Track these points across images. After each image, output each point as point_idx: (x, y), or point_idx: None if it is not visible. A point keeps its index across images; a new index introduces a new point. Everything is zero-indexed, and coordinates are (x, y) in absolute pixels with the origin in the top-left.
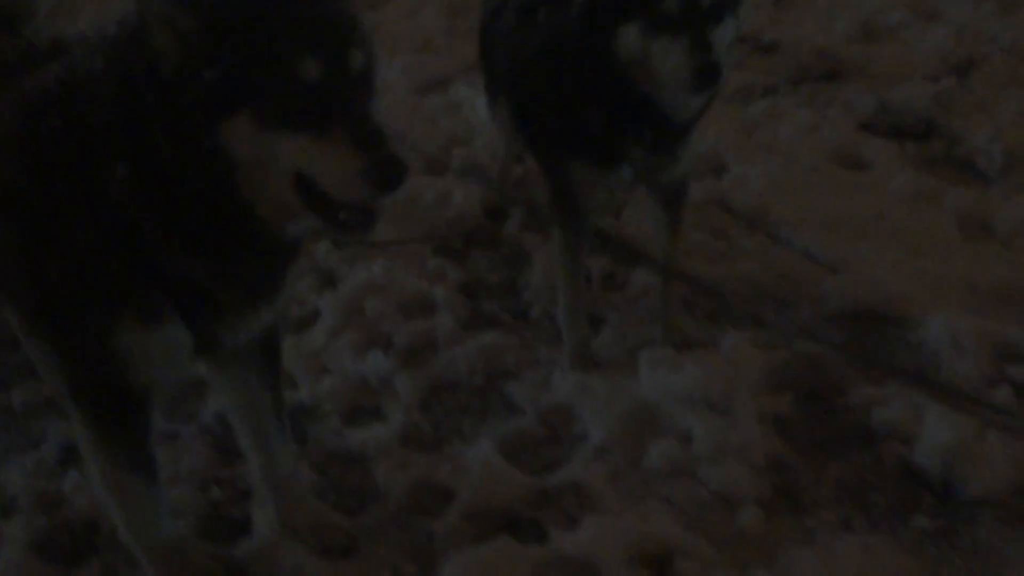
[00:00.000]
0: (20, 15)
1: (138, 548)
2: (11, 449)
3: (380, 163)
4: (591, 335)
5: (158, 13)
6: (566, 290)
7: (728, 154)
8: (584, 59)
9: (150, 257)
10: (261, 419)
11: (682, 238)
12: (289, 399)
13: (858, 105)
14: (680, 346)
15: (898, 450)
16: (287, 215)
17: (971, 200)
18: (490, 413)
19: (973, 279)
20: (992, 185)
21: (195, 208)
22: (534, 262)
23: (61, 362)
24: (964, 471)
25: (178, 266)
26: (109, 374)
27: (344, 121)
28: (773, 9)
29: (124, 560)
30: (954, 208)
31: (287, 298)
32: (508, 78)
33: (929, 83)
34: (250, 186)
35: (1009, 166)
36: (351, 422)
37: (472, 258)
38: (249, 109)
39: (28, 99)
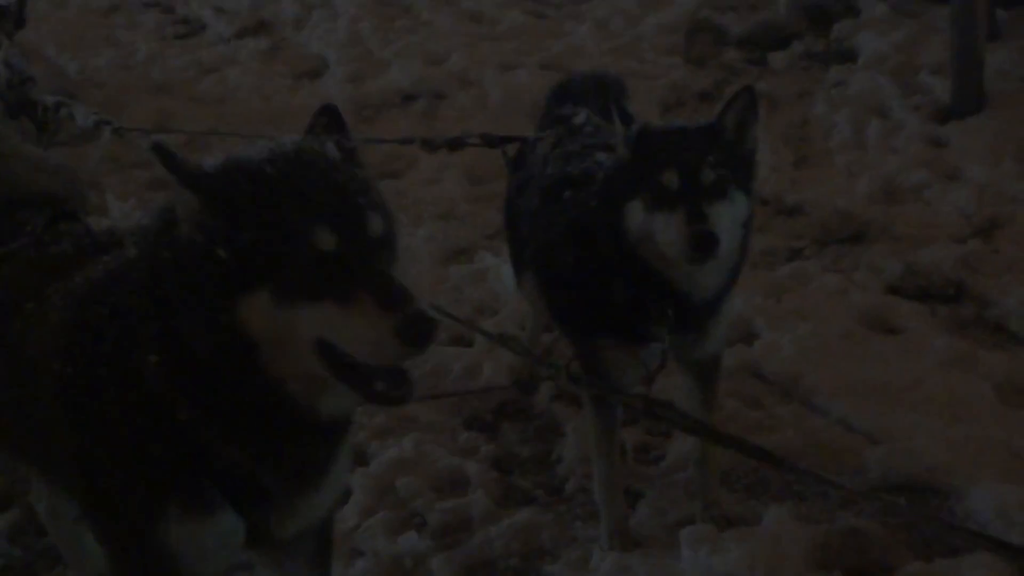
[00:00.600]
0: (77, 203)
1: None
2: None
3: (408, 320)
4: (629, 511)
5: (176, 199)
6: (601, 465)
7: (757, 320)
8: (603, 237)
9: (192, 445)
10: None
11: (716, 411)
12: None
13: (885, 268)
14: (720, 522)
15: None
16: (318, 389)
17: (1007, 364)
18: None
19: (1014, 446)
20: None
21: (225, 391)
22: (567, 434)
23: (110, 551)
24: None
25: (221, 453)
26: (156, 567)
27: (367, 285)
28: (793, 170)
29: None
30: (990, 373)
31: (341, 485)
32: (535, 255)
33: (955, 244)
34: (275, 362)
35: None
36: None
37: (503, 431)
38: (267, 285)
39: (79, 290)
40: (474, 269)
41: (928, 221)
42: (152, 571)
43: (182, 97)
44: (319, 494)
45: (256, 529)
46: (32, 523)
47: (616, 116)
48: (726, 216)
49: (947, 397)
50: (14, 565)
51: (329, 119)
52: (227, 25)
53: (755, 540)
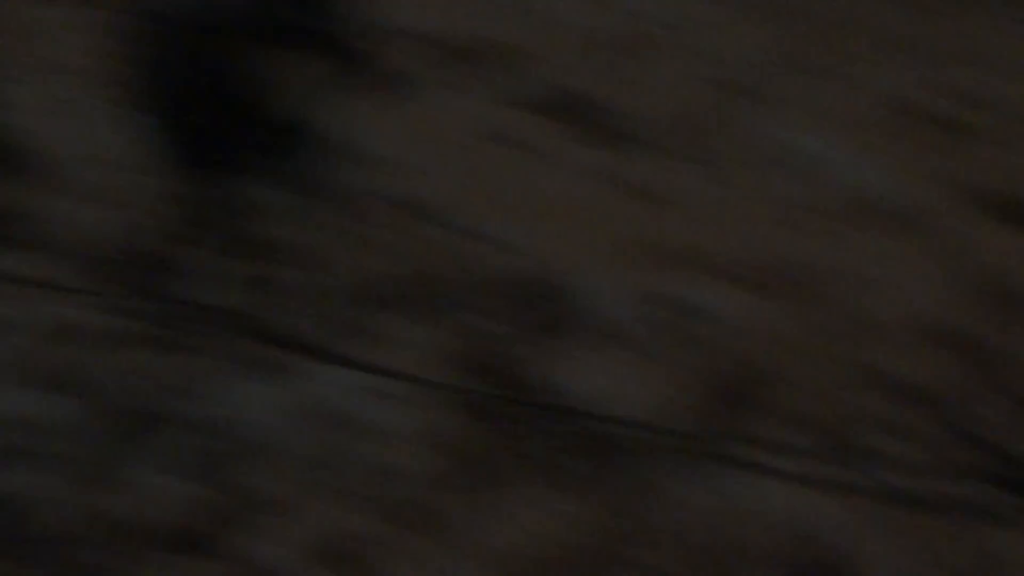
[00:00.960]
0: None
1: None
2: None
3: None
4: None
5: None
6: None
7: (384, 145)
8: (205, 71)
9: None
10: None
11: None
12: None
13: (508, 83)
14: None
15: (570, 402)
16: None
17: (627, 168)
18: None
19: (631, 238)
20: (645, 152)
21: None
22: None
23: None
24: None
25: None
26: None
27: None
28: None
29: None
30: (608, 173)
31: None
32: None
33: (577, 57)
34: None
35: (660, 133)
36: None
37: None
38: None
39: None
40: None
41: (553, 36)
42: None
43: None
44: None
45: None
46: None
47: None
48: None
49: (567, 199)
50: None
51: None
52: None
53: (393, 341)
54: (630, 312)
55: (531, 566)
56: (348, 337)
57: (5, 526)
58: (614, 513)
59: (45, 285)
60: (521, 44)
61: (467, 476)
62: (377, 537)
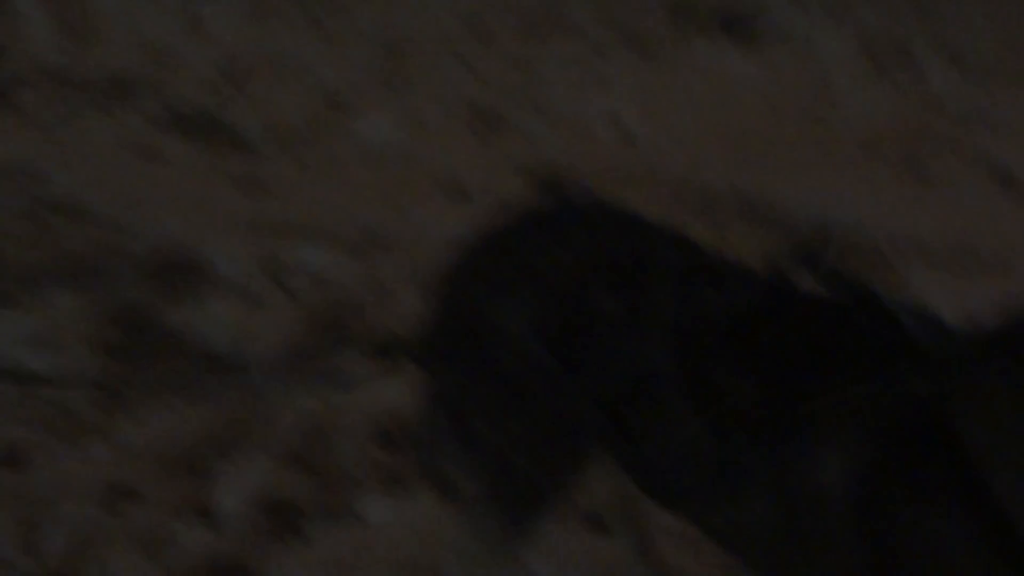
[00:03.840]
0: None
1: None
2: None
3: None
4: None
5: None
6: None
7: (45, 165)
8: None
9: None
10: None
11: None
12: None
13: (150, 111)
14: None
15: (204, 347)
16: None
17: (247, 169)
18: None
19: (250, 221)
20: (264, 158)
21: None
22: None
23: None
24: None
25: None
26: None
27: None
28: (68, 44)
29: None
30: (232, 176)
31: None
32: None
33: (208, 88)
34: None
35: (275, 141)
36: None
37: None
38: None
39: None
40: None
41: (187, 74)
42: None
43: None
44: None
45: None
46: None
47: None
48: None
49: (197, 197)
50: None
51: None
52: None
53: (43, 314)
54: (244, 272)
55: (169, 456)
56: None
57: None
58: (231, 416)
59: None
60: (154, 76)
61: (108, 395)
62: (38, 444)
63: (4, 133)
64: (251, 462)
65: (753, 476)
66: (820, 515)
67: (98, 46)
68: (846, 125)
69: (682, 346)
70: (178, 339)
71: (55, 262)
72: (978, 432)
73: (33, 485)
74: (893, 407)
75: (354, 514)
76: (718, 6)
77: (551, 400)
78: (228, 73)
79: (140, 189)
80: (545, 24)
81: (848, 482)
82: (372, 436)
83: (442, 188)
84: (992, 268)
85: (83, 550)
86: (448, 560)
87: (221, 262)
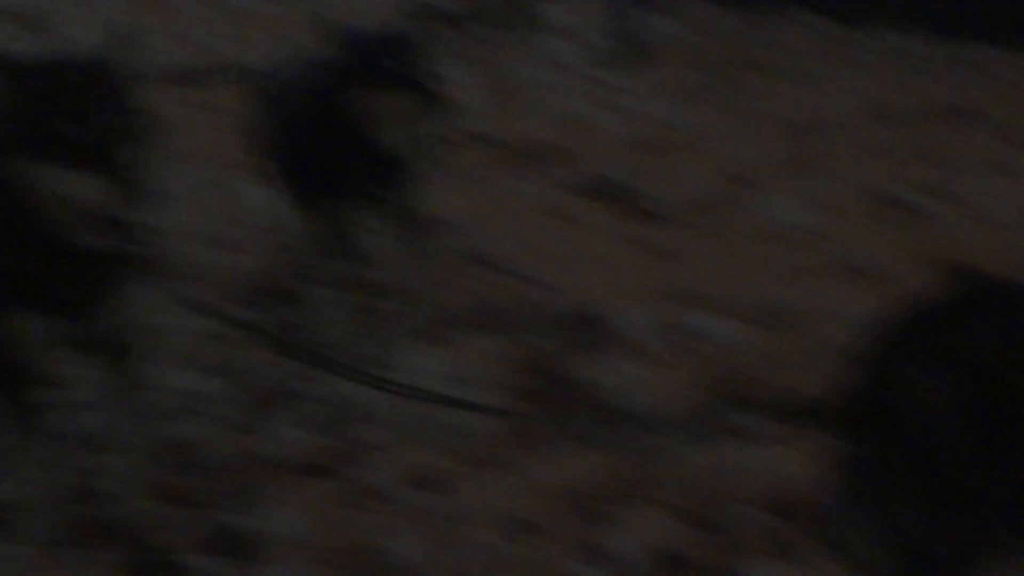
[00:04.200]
0: None
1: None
2: None
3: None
4: (358, 344)
5: None
6: (335, 303)
7: (468, 218)
8: (320, 121)
9: None
10: (114, 401)
11: (421, 263)
12: None
13: (566, 177)
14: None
15: (603, 397)
16: (67, 228)
17: (653, 234)
18: (291, 407)
19: (652, 284)
20: (666, 223)
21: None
22: (306, 302)
23: None
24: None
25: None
26: None
27: (100, 161)
28: (493, 111)
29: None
30: (639, 240)
31: (126, 305)
32: (272, 150)
33: (615, 157)
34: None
35: (676, 209)
36: (175, 420)
37: (258, 305)
38: (27, 150)
39: None
40: (225, 192)
41: (599, 143)
42: None
43: None
44: (103, 305)
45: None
46: None
47: None
48: None
49: (606, 258)
50: None
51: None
52: None
53: (462, 353)
54: (648, 332)
55: (568, 496)
56: (428, 346)
57: (179, 463)
58: (632, 465)
59: (202, 307)
60: (571, 146)
61: (528, 435)
62: (450, 471)
63: (433, 187)
64: (646, 512)
65: None
66: None
67: (522, 115)
68: None
69: None
70: (583, 389)
71: (472, 308)
72: None
73: (442, 507)
74: None
75: None
76: None
77: (967, 481)
78: (641, 146)
79: (553, 247)
80: (952, 112)
81: None
82: (767, 499)
83: (846, 270)
84: None
85: (481, 572)
86: None
87: (626, 321)
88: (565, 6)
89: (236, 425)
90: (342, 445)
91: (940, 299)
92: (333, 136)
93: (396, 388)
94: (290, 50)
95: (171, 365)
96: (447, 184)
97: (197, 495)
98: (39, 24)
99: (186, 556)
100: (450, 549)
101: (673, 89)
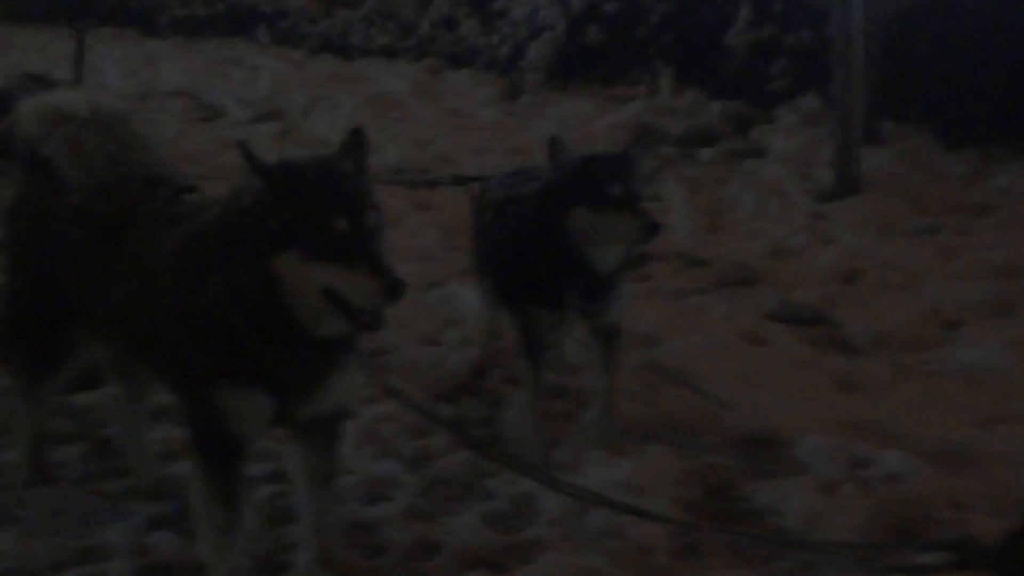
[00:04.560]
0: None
1: (214, 566)
2: (109, 520)
3: (390, 284)
4: (550, 448)
5: (247, 182)
6: (531, 405)
7: (662, 333)
8: (538, 234)
9: (239, 342)
10: (315, 481)
11: (618, 375)
12: None
13: (765, 302)
14: (615, 450)
15: (773, 521)
16: (319, 319)
17: (844, 366)
18: (473, 499)
19: (838, 416)
20: (861, 356)
21: (260, 309)
22: (508, 405)
23: (186, 408)
24: (815, 532)
25: (257, 351)
26: (214, 425)
27: (365, 257)
28: (706, 234)
29: None
30: (830, 371)
31: (345, 392)
32: (487, 257)
33: (820, 287)
34: (293, 297)
35: (875, 344)
36: (367, 503)
37: (462, 401)
38: (297, 248)
39: (183, 234)
40: (445, 294)
41: (803, 271)
42: (210, 424)
43: (207, 166)
44: (325, 389)
45: (281, 408)
46: (97, 451)
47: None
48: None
49: (795, 384)
50: (86, 478)
51: (357, 140)
52: (244, 112)
53: (640, 463)
54: (825, 460)
55: None
56: (613, 455)
57: (363, 544)
58: None
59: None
60: (777, 273)
61: (693, 549)
62: (609, 571)
63: (632, 298)
64: None
65: None
66: None
67: (733, 239)
68: None
69: None
70: (755, 510)
71: (659, 422)
72: None
73: None
74: None
75: None
76: None
77: None
78: (849, 279)
79: (745, 370)
80: None
81: None
82: None
83: None
84: None
85: None
86: None
87: (805, 447)
88: (789, 135)
89: (419, 513)
90: (515, 541)
91: None
92: (550, 251)
93: (574, 492)
94: (521, 164)
95: (373, 452)
96: (651, 301)
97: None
98: (290, 123)
99: None
100: None
101: (890, 227)
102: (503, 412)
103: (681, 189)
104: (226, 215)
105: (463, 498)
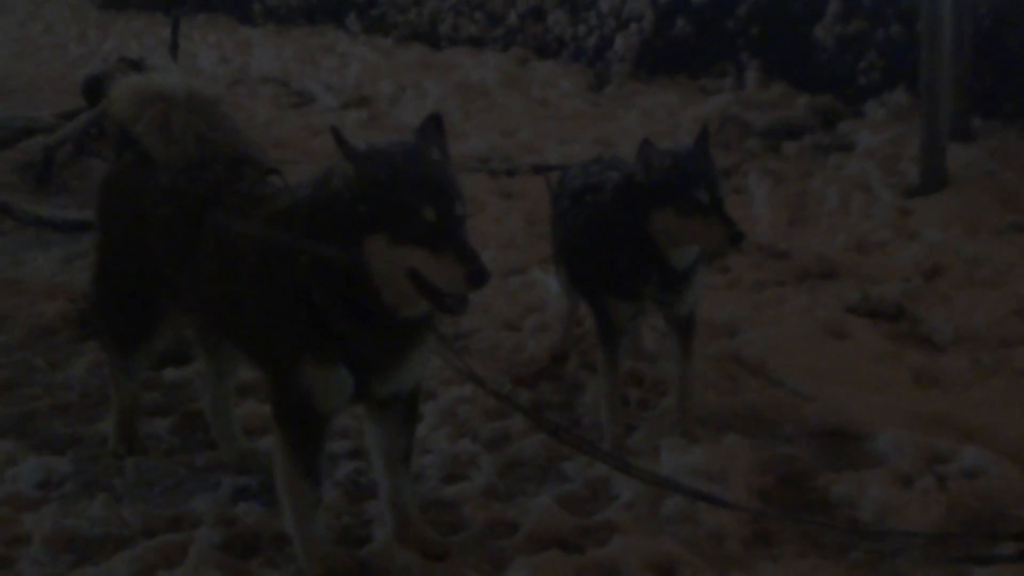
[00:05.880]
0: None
1: (297, 537)
2: (196, 491)
3: (475, 270)
4: (625, 431)
5: (338, 165)
6: (609, 392)
7: (741, 324)
8: (619, 228)
9: (323, 320)
10: (393, 458)
11: (694, 364)
12: None
13: (846, 295)
14: (691, 437)
15: (847, 512)
16: (404, 300)
17: (924, 361)
18: (549, 481)
19: (917, 410)
20: (942, 353)
21: (345, 289)
22: (586, 390)
23: (271, 389)
24: (889, 525)
25: (341, 329)
26: (297, 400)
27: (452, 244)
28: (787, 227)
29: (281, 555)
30: (910, 366)
31: (421, 371)
32: (565, 245)
33: (903, 282)
34: (379, 279)
35: (957, 341)
36: (445, 482)
37: (541, 387)
38: (385, 232)
39: (269, 214)
40: (526, 281)
41: (886, 266)
42: (294, 400)
43: (297, 151)
44: (404, 368)
45: (362, 385)
46: (186, 425)
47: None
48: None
49: (874, 378)
50: (174, 449)
51: (435, 125)
52: (334, 99)
53: (715, 451)
54: (902, 454)
55: None
56: (689, 442)
57: (446, 521)
58: None
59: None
60: (860, 267)
61: (765, 538)
62: (685, 561)
63: (712, 289)
64: None
65: None
66: None
67: (817, 233)
68: None
69: None
70: (828, 500)
71: (733, 409)
72: None
73: None
74: None
75: None
76: None
77: None
78: (933, 275)
79: (825, 363)
80: None
81: None
82: None
83: None
84: None
85: None
86: None
87: (883, 440)
88: (876, 130)
89: (496, 493)
90: (589, 523)
91: None
92: (629, 245)
93: (647, 477)
94: (604, 155)
95: (451, 432)
96: (732, 293)
97: (452, 553)
98: (378, 111)
99: None
100: None
101: (977, 223)
102: (581, 397)
103: (765, 182)
104: (315, 196)
105: (539, 480)
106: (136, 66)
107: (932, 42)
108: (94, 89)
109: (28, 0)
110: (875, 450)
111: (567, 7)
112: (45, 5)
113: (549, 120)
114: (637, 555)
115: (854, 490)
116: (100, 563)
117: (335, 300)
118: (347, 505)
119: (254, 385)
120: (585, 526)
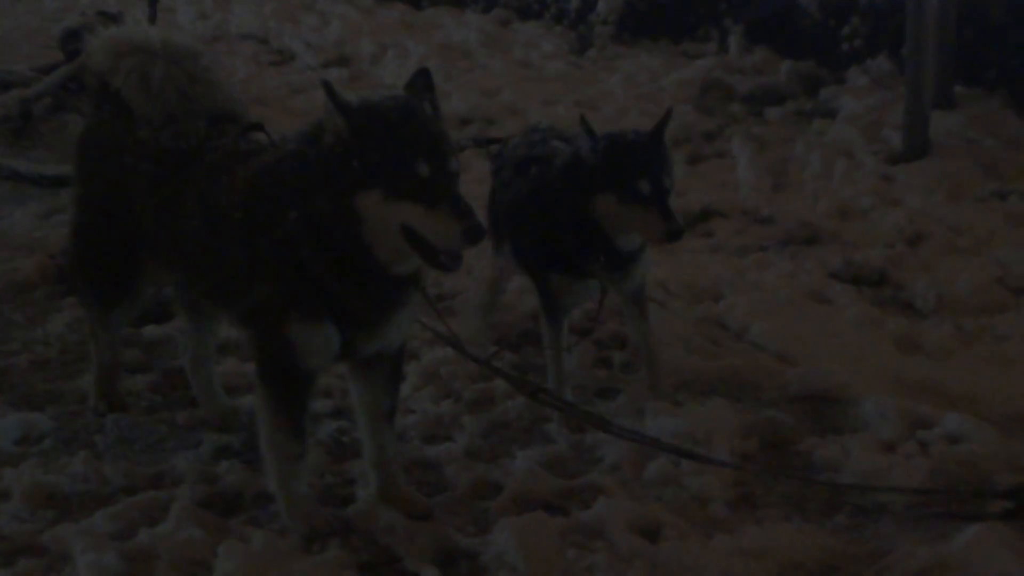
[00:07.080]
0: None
1: (281, 496)
2: (178, 448)
3: (471, 226)
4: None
5: (329, 119)
6: (556, 372)
7: (724, 289)
8: (563, 207)
9: (311, 276)
10: (377, 417)
11: (652, 334)
12: None
13: (829, 261)
14: (667, 400)
15: (829, 476)
16: (395, 257)
17: (906, 327)
18: (533, 443)
19: (899, 376)
20: (925, 319)
21: (335, 245)
22: (572, 353)
23: (255, 346)
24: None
25: (329, 285)
26: (282, 357)
27: (447, 199)
28: (771, 192)
29: (264, 513)
30: (892, 332)
31: (407, 328)
32: (508, 218)
33: (886, 248)
34: (371, 235)
35: (940, 307)
36: (428, 443)
37: (525, 350)
38: (379, 187)
39: (255, 169)
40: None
41: (869, 232)
42: (279, 357)
43: (277, 109)
44: (391, 326)
45: (347, 343)
46: (167, 382)
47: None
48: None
49: (857, 344)
50: (155, 407)
51: (423, 80)
52: (314, 57)
53: (698, 414)
54: (884, 419)
55: (773, 562)
56: (671, 405)
57: (423, 481)
58: (844, 541)
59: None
60: (842, 233)
61: (748, 499)
62: (667, 523)
63: (695, 254)
64: None
65: None
66: None
67: (799, 199)
68: None
69: None
70: (810, 463)
71: (716, 374)
72: None
73: (661, 558)
74: None
75: None
76: None
77: None
78: (915, 241)
79: (807, 328)
80: None
81: None
82: None
83: None
84: None
85: None
86: None
87: (865, 405)
88: (859, 97)
89: (480, 454)
90: (573, 485)
91: None
92: (573, 224)
93: (629, 436)
94: (540, 124)
95: (434, 393)
96: (715, 257)
97: (435, 514)
98: (359, 70)
99: (408, 563)
100: None
101: (959, 190)
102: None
103: (748, 147)
104: (304, 152)
105: (523, 441)
106: (114, 19)
107: (916, 9)
108: (72, 42)
109: None
110: (858, 415)
111: None
112: None
113: (532, 81)
114: (621, 517)
115: (837, 454)
116: (80, 520)
117: (324, 256)
118: (330, 464)
119: (235, 343)
120: (569, 488)
